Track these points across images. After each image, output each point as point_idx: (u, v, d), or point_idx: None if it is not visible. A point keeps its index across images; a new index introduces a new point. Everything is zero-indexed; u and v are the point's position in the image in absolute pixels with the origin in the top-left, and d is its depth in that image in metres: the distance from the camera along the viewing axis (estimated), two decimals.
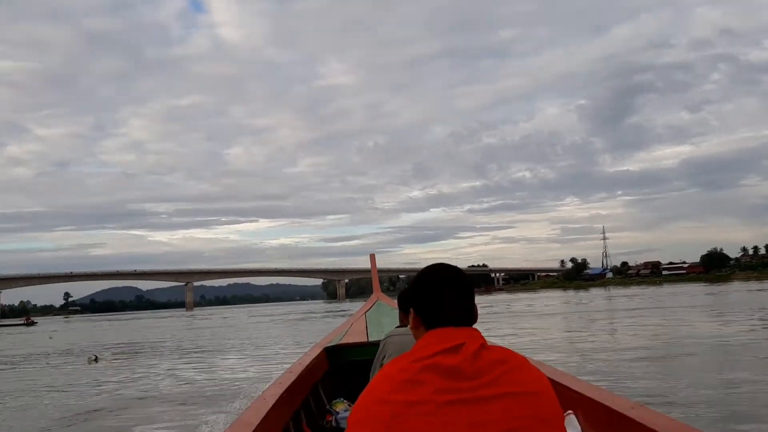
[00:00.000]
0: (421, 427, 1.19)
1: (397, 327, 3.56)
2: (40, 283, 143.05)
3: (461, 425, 1.21)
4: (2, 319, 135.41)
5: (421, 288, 1.45)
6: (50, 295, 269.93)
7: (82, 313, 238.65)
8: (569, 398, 2.74)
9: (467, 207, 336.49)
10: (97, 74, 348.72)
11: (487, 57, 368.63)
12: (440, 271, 1.47)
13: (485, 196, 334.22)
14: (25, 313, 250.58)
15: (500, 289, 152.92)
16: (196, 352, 21.11)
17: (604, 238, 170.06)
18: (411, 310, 1.47)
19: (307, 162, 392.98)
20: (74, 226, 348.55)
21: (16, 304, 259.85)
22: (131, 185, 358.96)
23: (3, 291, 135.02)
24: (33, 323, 58.16)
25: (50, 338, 36.71)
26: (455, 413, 1.21)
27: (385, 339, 3.48)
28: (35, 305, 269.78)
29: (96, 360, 18.43)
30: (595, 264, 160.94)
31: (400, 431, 1.19)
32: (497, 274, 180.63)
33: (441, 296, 1.41)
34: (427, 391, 1.24)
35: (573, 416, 2.66)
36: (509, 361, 1.32)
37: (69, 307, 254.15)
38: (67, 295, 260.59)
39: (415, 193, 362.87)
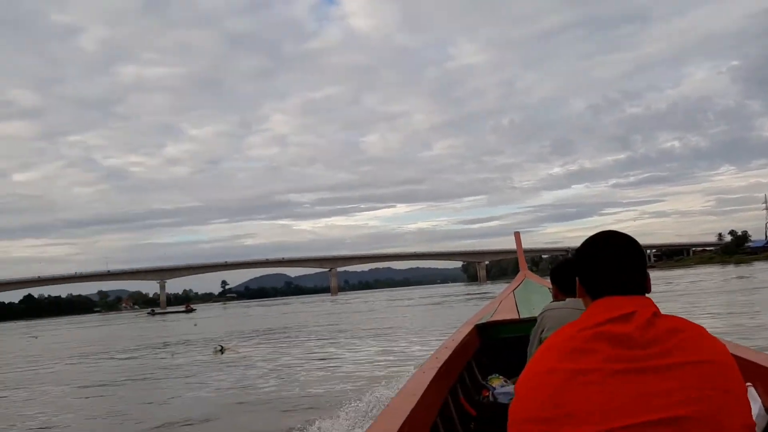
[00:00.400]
0: (589, 396, 1.15)
1: (552, 302, 3.41)
2: (199, 273, 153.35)
3: (631, 395, 1.15)
4: (167, 307, 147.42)
5: (588, 255, 1.40)
6: (209, 283, 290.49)
7: (237, 299, 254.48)
8: (748, 370, 2.48)
9: (612, 182, 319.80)
10: (240, 74, 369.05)
11: (625, 23, 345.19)
12: (610, 238, 1.42)
13: (631, 170, 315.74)
14: (188, 300, 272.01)
15: (652, 266, 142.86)
16: (339, 337, 20.60)
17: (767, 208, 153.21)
18: (576, 279, 1.43)
19: (442, 145, 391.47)
20: (227, 218, 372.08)
21: (180, 292, 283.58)
22: (276, 177, 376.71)
23: (168, 280, 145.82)
24: (192, 310, 61.53)
25: (195, 325, 38.18)
26: (625, 382, 1.16)
27: (542, 313, 3.27)
28: (196, 293, 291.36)
29: (222, 351, 18.11)
30: (757, 236, 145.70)
31: (567, 400, 1.15)
32: (648, 251, 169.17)
33: (610, 263, 1.36)
34: (596, 359, 1.19)
35: (752, 388, 2.49)
36: (685, 330, 1.24)
37: (226, 294, 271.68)
38: (224, 283, 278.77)
39: (555, 170, 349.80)
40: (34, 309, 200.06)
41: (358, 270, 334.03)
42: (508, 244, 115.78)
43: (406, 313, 33.88)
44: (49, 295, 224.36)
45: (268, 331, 27.76)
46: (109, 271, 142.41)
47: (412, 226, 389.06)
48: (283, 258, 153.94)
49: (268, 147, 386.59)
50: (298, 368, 13.33)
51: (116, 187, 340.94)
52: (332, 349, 16.87)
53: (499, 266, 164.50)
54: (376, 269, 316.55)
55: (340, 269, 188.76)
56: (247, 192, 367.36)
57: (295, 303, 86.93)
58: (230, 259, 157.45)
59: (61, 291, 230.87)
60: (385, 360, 13.49)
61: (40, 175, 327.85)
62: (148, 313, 66.83)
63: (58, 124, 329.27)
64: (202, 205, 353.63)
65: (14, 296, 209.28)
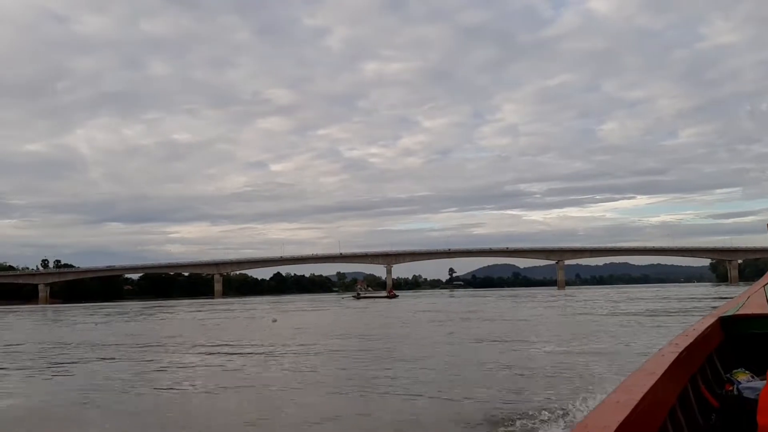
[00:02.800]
0: None
1: None
2: (423, 259, 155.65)
3: None
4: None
5: None
6: (438, 270, 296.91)
7: (464, 287, 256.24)
8: None
9: None
10: (472, 65, 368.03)
11: None
12: None
13: None
14: (416, 285, 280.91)
15: None
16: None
17: None
18: None
19: (689, 132, 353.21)
20: (457, 207, 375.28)
21: (410, 277, 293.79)
22: (506, 167, 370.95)
23: (394, 265, 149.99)
24: (395, 296, 60.74)
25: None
26: None
27: None
28: (425, 279, 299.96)
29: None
30: None
31: None
32: None
33: None
34: None
35: None
36: None
37: (453, 282, 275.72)
38: (451, 270, 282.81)
39: None
40: (281, 286, 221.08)
41: (591, 264, 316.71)
42: (766, 242, 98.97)
43: (621, 315, 28.46)
44: (294, 274, 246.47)
45: (437, 320, 24.80)
46: (341, 254, 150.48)
47: (654, 219, 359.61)
48: (507, 248, 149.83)
49: (498, 137, 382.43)
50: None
51: (356, 177, 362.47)
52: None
53: (755, 266, 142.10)
54: (612, 264, 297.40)
55: (571, 262, 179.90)
56: (477, 182, 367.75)
57: (514, 294, 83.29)
58: (459, 248, 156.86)
59: (305, 271, 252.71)
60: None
61: (292, 166, 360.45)
62: (353, 296, 68.00)
63: (309, 119, 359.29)
64: (434, 194, 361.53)
65: (267, 273, 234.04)
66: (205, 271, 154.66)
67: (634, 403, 2.13)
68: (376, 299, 62.11)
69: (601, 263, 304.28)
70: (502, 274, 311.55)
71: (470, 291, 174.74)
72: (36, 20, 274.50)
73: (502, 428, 7.13)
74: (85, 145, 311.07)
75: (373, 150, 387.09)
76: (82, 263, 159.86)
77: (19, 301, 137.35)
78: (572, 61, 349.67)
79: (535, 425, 7.00)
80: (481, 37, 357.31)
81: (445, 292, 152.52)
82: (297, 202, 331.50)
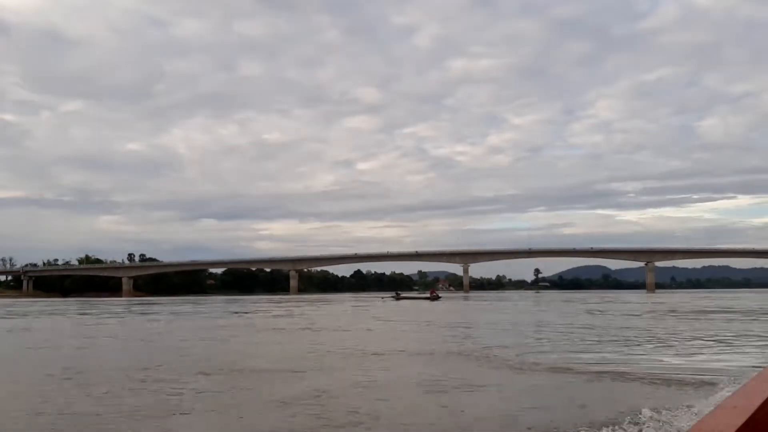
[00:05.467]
0: None
1: None
2: (501, 258, 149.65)
3: None
4: (470, 291, 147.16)
5: None
6: (524, 270, 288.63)
7: (550, 289, 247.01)
8: None
9: None
10: (564, 60, 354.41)
11: None
12: None
13: None
14: (500, 286, 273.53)
15: None
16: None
17: None
18: None
19: None
20: (546, 207, 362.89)
21: (493, 277, 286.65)
22: (598, 165, 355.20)
23: (471, 264, 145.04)
24: (437, 298, 56.53)
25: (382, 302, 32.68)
26: None
27: None
28: (509, 279, 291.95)
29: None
30: None
31: None
32: None
33: None
34: None
35: None
36: None
37: (538, 283, 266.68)
38: (537, 271, 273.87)
39: None
40: (361, 283, 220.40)
41: (688, 267, 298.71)
42: None
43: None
44: (375, 272, 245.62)
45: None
46: (417, 252, 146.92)
47: (757, 221, 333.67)
48: (592, 248, 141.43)
49: (591, 134, 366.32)
50: None
51: (442, 175, 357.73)
52: None
53: None
54: (710, 267, 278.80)
55: (666, 264, 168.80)
56: (567, 180, 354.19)
57: (599, 297, 76.85)
58: (544, 247, 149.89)
59: (386, 269, 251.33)
60: None
61: (379, 164, 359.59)
62: (393, 297, 64.21)
63: (395, 118, 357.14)
64: (522, 192, 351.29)
65: (348, 271, 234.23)
66: (281, 267, 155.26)
67: (753, 408, 2.07)
68: (418, 300, 58.12)
69: (698, 266, 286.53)
70: (592, 275, 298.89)
71: (555, 292, 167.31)
72: (137, 26, 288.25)
73: None
74: (182, 145, 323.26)
75: (460, 148, 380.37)
76: (178, 258, 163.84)
77: (106, 293, 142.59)
78: (670, 54, 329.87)
79: None
80: (574, 31, 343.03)
81: (528, 293, 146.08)
82: (382, 201, 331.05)
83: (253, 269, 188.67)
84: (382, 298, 69.28)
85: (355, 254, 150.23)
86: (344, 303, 54.98)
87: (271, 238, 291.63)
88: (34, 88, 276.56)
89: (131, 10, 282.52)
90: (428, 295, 58.52)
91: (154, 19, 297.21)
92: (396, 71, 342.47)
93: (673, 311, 34.21)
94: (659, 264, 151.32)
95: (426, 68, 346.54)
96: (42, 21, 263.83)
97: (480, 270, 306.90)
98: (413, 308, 40.40)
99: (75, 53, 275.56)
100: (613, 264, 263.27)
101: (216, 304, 55.94)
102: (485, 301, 60.44)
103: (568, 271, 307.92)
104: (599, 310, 36.97)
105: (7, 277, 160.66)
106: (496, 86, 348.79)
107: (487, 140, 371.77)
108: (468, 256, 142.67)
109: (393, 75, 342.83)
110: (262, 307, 45.22)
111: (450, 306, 42.46)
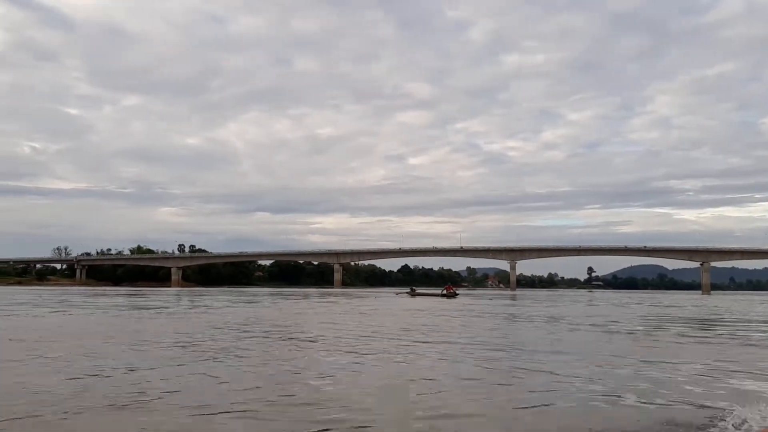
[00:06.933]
0: None
1: None
2: (549, 256, 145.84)
3: None
4: (516, 288, 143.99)
5: None
6: (577, 269, 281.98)
7: (603, 288, 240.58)
8: None
9: None
10: (621, 55, 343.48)
11: None
12: None
13: None
14: (552, 284, 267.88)
15: None
16: None
17: None
18: None
19: None
20: (601, 204, 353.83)
21: (545, 275, 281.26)
22: (656, 162, 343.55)
23: (519, 261, 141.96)
24: (454, 295, 54.43)
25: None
26: None
27: None
28: (562, 277, 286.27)
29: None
30: None
31: None
32: None
33: None
34: None
35: None
36: None
37: (592, 282, 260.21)
38: (590, 270, 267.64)
39: None
40: (408, 278, 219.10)
41: (749, 268, 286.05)
42: None
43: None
44: (422, 267, 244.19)
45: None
46: (462, 248, 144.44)
47: None
48: (645, 246, 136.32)
49: (648, 130, 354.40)
50: None
51: (494, 171, 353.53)
52: None
53: None
54: None
55: (725, 265, 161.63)
56: (624, 177, 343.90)
57: (654, 296, 73.18)
58: (596, 245, 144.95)
59: (434, 264, 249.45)
60: None
61: (430, 159, 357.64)
62: (407, 293, 62.73)
63: (447, 113, 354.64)
64: (576, 189, 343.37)
65: (395, 265, 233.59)
66: (325, 260, 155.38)
67: None
68: (431, 296, 56.25)
69: (760, 267, 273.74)
70: (647, 275, 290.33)
71: (608, 291, 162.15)
72: (195, 22, 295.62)
73: None
74: (237, 139, 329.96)
75: (512, 143, 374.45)
76: (231, 250, 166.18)
77: (156, 283, 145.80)
78: (732, 49, 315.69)
79: None
80: (631, 25, 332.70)
81: (580, 292, 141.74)
82: (433, 196, 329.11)
83: (301, 262, 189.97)
84: (397, 293, 68.43)
85: (399, 248, 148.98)
86: (367, 298, 53.80)
87: (322, 232, 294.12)
88: (96, 82, 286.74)
89: (189, 7, 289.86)
90: (443, 291, 56.33)
91: (212, 15, 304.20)
92: (449, 66, 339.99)
93: (706, 320, 31.39)
94: (717, 264, 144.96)
95: (479, 63, 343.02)
96: (104, 17, 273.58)
97: (531, 267, 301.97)
98: (413, 305, 38.61)
99: (135, 48, 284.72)
100: (670, 264, 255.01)
101: (249, 296, 55.58)
102: (526, 300, 58.07)
103: (623, 270, 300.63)
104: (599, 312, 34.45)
105: (62, 266, 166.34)
106: (550, 81, 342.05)
107: (540, 136, 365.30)
108: (515, 253, 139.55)
109: (446, 69, 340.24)
110: (276, 300, 44.38)
111: (459, 305, 40.14)
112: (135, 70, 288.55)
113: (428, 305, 38.81)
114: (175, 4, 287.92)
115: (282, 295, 61.78)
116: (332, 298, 51.83)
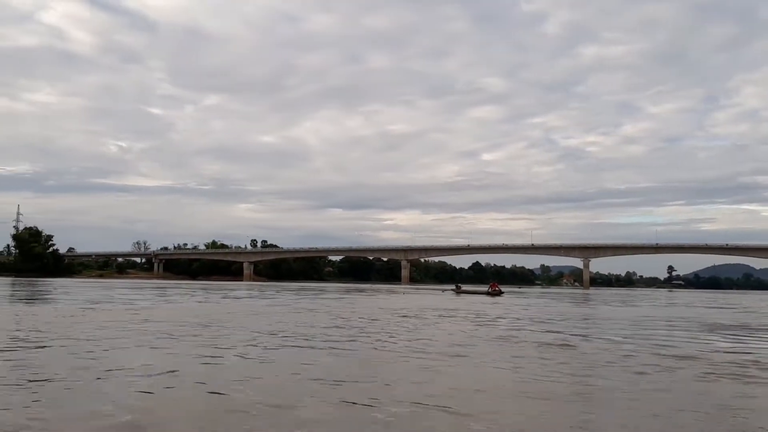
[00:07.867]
0: None
1: None
2: (624, 254, 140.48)
3: None
4: (590, 287, 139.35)
5: None
6: (657, 267, 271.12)
7: (684, 287, 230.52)
8: None
9: None
10: (705, 45, 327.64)
11: None
12: None
13: None
14: (629, 283, 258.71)
15: None
16: None
17: None
18: None
19: None
20: (684, 200, 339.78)
21: (623, 274, 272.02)
22: (743, 157, 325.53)
23: (592, 259, 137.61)
24: (499, 293, 52.24)
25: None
26: None
27: None
28: (640, 276, 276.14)
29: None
30: None
31: None
32: None
33: None
34: None
35: None
36: None
37: (672, 281, 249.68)
38: (670, 268, 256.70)
39: None
40: (479, 275, 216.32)
41: None
42: None
43: None
44: (494, 264, 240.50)
45: None
46: (533, 245, 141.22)
47: None
48: (726, 244, 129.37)
49: (735, 123, 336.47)
50: None
51: (572, 166, 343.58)
52: None
53: None
54: None
55: None
56: (708, 173, 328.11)
57: (729, 296, 68.43)
58: (677, 243, 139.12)
59: (507, 261, 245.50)
60: None
61: (504, 155, 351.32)
62: (452, 290, 61.55)
63: (522, 107, 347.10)
64: (658, 185, 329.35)
65: (466, 262, 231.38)
66: (394, 257, 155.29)
67: None
68: (476, 294, 54.41)
69: None
70: (732, 274, 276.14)
71: (689, 291, 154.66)
72: (272, 22, 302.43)
73: None
74: (312, 137, 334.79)
75: (591, 138, 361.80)
76: (304, 245, 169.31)
77: (229, 277, 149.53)
78: None
79: None
80: (716, 13, 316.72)
81: (660, 292, 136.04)
82: (507, 192, 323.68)
83: (370, 258, 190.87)
84: (443, 290, 67.16)
85: (468, 245, 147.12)
86: (408, 295, 53.00)
87: (395, 228, 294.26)
88: (178, 83, 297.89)
89: (266, 7, 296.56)
90: (488, 289, 54.27)
91: (287, 14, 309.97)
92: (524, 59, 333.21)
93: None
94: None
95: (555, 56, 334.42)
96: (185, 19, 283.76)
97: (608, 265, 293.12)
98: (427, 303, 36.34)
99: (214, 49, 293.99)
100: (757, 263, 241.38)
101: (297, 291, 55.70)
102: (596, 301, 55.07)
103: (706, 269, 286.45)
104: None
105: (141, 260, 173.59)
106: (630, 73, 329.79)
107: (620, 130, 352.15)
108: (588, 250, 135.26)
109: (521, 63, 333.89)
110: (324, 296, 44.01)
111: (501, 306, 36.39)
112: (215, 70, 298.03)
113: (456, 305, 34.94)
114: (252, 5, 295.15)
115: (310, 292, 61.52)
116: (364, 294, 51.03)
